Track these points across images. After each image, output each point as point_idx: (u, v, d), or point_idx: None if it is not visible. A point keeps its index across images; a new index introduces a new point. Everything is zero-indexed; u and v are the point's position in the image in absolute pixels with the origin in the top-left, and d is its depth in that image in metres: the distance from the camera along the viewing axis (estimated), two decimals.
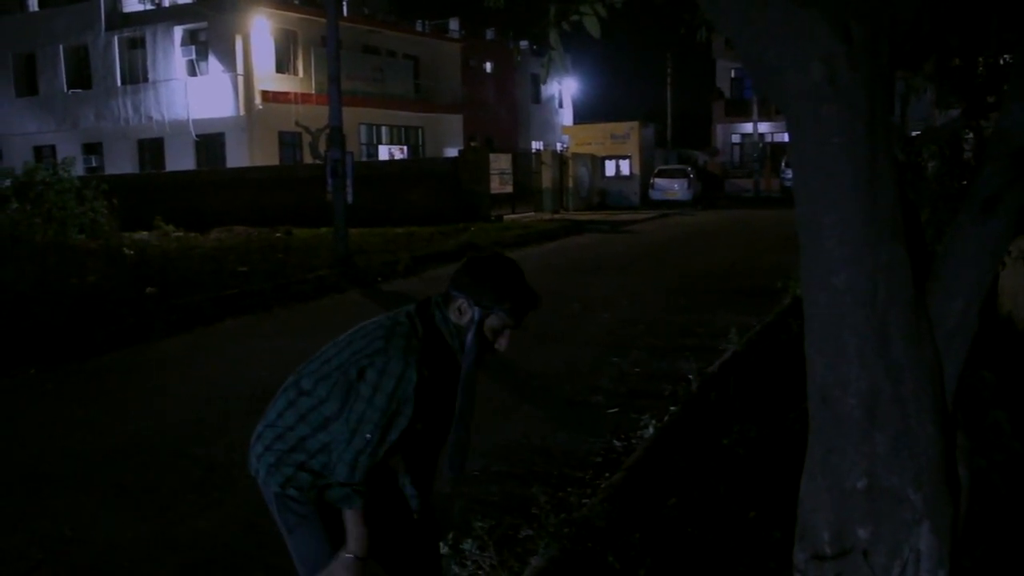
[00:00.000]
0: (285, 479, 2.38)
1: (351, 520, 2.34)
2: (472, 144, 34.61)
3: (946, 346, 2.13)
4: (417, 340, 2.32)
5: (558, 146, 36.77)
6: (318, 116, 25.18)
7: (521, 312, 2.37)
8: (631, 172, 31.74)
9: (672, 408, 5.86)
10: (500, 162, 25.25)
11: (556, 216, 25.95)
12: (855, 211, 1.96)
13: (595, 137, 32.37)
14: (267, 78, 28.66)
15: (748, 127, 39.98)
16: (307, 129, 26.53)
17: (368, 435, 2.27)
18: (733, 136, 45.11)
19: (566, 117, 46.94)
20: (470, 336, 2.34)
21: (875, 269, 1.98)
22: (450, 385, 2.39)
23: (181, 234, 19.93)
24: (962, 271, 2.14)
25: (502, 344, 2.40)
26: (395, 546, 2.59)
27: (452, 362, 2.39)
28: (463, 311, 2.35)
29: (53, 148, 31.05)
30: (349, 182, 14.00)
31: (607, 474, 4.79)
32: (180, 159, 29.55)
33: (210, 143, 29.42)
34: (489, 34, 43.57)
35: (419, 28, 37.84)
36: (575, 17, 2.81)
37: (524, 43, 43.75)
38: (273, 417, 2.43)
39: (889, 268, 1.99)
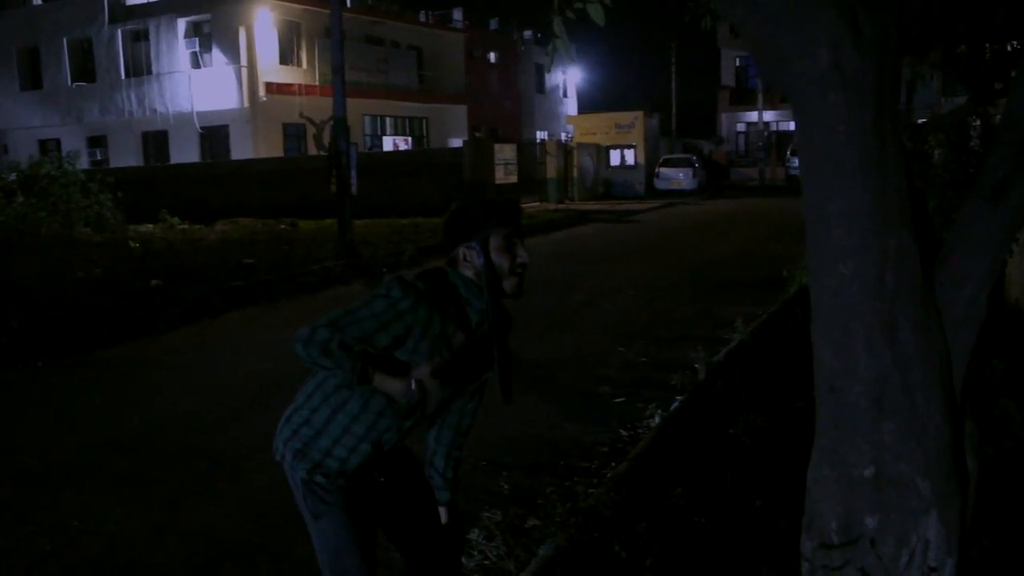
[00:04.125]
0: (313, 465, 2.37)
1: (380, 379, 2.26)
2: (476, 134, 34.61)
3: (954, 334, 2.12)
4: (420, 284, 2.30)
5: (563, 136, 36.69)
6: (322, 107, 25.20)
7: (508, 214, 2.37)
8: (636, 162, 31.64)
9: (678, 397, 5.86)
10: (504, 152, 25.20)
11: (561, 206, 25.90)
12: (862, 199, 1.94)
13: (600, 127, 32.26)
14: (271, 70, 28.64)
15: (753, 116, 39.83)
16: (311, 121, 26.51)
17: (346, 314, 2.21)
18: (738, 125, 44.92)
19: (570, 107, 46.83)
20: (482, 264, 2.33)
21: (883, 257, 1.97)
22: (465, 343, 2.36)
23: (186, 226, 19.95)
24: (970, 259, 2.12)
25: (522, 256, 2.37)
26: (409, 527, 2.58)
27: (464, 316, 2.36)
28: (467, 257, 2.36)
29: (58, 142, 31.11)
30: (353, 173, 13.99)
31: (613, 464, 4.80)
32: (184, 152, 29.57)
33: (214, 135, 29.44)
34: (492, 24, 43.48)
35: (422, 18, 37.76)
36: (579, 5, 2.78)
37: (528, 32, 43.67)
38: (302, 400, 2.43)
39: (897, 256, 1.98)
